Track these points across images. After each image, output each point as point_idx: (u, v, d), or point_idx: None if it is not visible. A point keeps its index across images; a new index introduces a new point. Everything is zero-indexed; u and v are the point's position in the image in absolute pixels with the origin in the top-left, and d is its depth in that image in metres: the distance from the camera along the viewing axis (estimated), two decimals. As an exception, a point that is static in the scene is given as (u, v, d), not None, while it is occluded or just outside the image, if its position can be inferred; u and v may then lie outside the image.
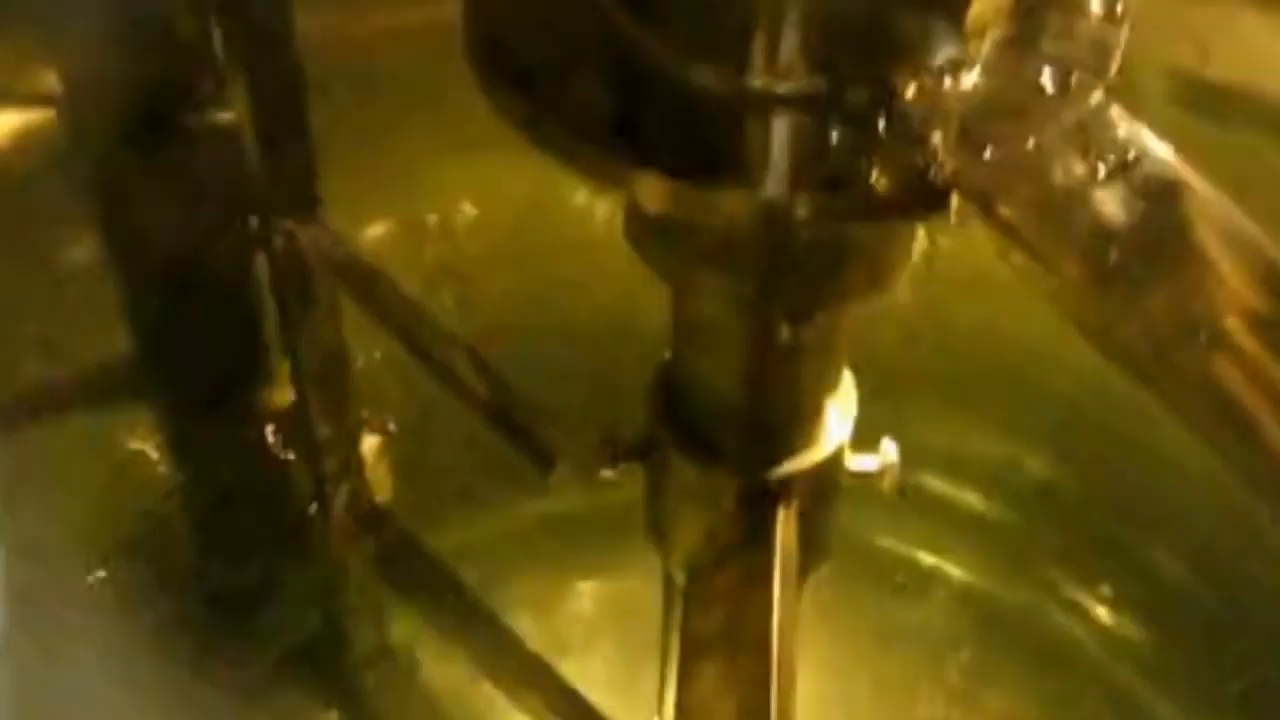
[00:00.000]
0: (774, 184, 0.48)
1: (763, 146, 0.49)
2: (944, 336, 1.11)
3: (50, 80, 0.94)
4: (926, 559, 1.20)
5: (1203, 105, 1.02)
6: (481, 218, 1.12)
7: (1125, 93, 0.52)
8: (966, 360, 1.12)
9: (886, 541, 1.18)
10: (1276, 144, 1.05)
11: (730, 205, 0.48)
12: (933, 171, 0.48)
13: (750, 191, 0.48)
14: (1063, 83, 0.50)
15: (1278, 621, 1.03)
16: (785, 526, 0.63)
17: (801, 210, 0.48)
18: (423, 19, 1.04)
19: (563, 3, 0.53)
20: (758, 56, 0.49)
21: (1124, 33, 0.52)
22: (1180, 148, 0.98)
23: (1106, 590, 1.15)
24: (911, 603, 1.18)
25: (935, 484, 1.17)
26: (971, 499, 1.18)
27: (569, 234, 1.08)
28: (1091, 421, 1.06)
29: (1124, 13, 0.53)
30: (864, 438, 0.67)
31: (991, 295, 0.97)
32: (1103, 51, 0.51)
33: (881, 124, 0.49)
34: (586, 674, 0.99)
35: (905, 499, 0.73)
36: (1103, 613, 1.16)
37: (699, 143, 0.49)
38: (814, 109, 0.49)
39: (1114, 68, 0.51)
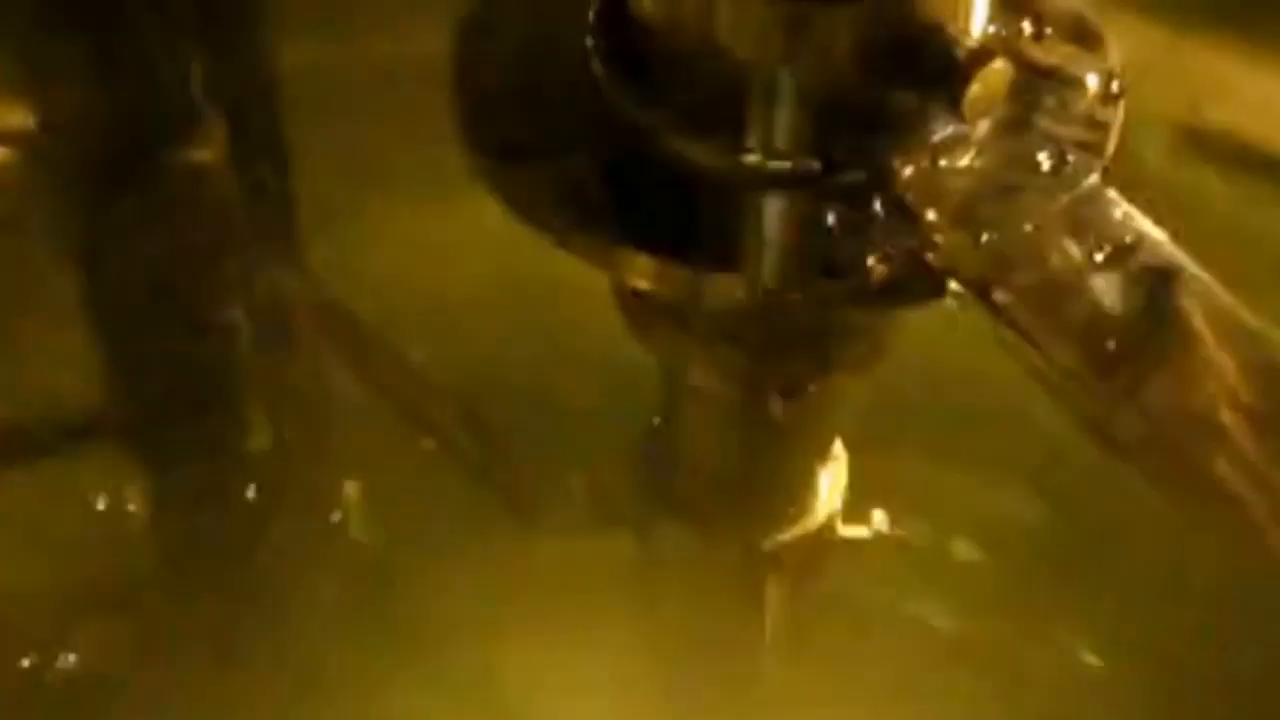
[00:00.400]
0: (767, 267, 0.47)
1: (756, 228, 0.49)
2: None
3: (24, 117, 0.94)
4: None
5: (1193, 153, 1.02)
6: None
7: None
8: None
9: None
10: (1266, 188, 1.05)
11: (722, 288, 0.48)
12: (929, 256, 0.47)
13: (743, 275, 0.47)
14: (1059, 163, 0.50)
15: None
16: (775, 599, 0.62)
17: (796, 295, 0.47)
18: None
19: (555, 75, 0.52)
20: (752, 134, 0.48)
21: (1121, 111, 0.52)
22: (1171, 194, 0.98)
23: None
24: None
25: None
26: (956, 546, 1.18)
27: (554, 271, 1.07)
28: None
29: (1121, 91, 0.52)
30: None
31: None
32: (1100, 131, 0.51)
33: (878, 206, 0.48)
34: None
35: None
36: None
37: (690, 224, 0.48)
38: (809, 189, 0.48)
39: (1111, 148, 0.51)
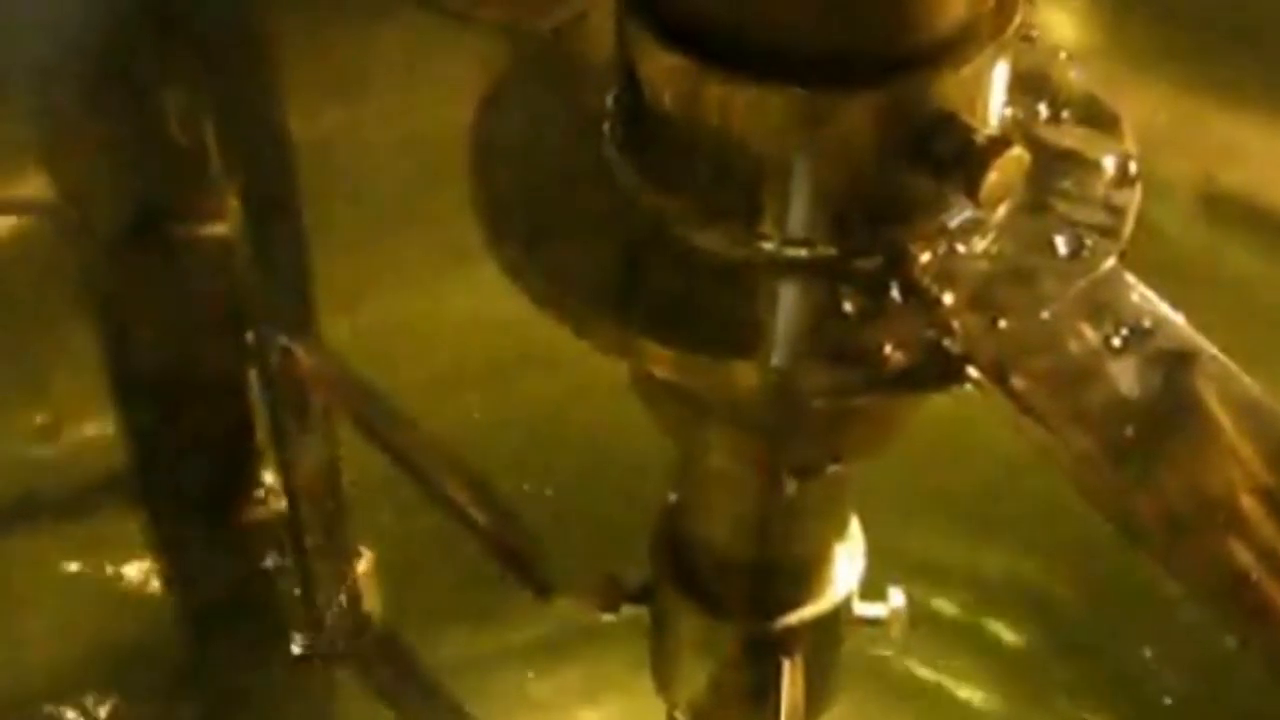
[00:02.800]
0: (784, 355, 0.47)
1: (772, 315, 0.48)
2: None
3: (46, 188, 0.94)
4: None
5: (1212, 218, 1.02)
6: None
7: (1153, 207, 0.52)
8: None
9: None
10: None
11: (738, 376, 0.47)
12: (946, 341, 0.47)
13: (759, 363, 0.47)
14: (1077, 247, 0.50)
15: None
16: (791, 677, 0.62)
17: (812, 383, 0.47)
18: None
19: (572, 163, 0.52)
20: (768, 221, 0.48)
21: (1137, 194, 0.52)
22: (1187, 258, 0.98)
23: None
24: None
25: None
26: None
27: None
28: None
29: (1137, 174, 0.52)
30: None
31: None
32: (1117, 215, 0.51)
33: (895, 291, 0.48)
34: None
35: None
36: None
37: (706, 311, 0.48)
38: (825, 276, 0.48)
39: (1128, 231, 0.51)
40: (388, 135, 1.02)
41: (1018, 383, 0.47)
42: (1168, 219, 0.98)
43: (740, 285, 0.48)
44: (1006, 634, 1.18)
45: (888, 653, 1.13)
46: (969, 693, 1.18)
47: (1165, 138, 0.95)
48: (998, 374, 0.47)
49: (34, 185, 0.93)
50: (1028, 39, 0.54)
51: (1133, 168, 0.52)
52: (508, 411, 1.14)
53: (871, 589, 0.67)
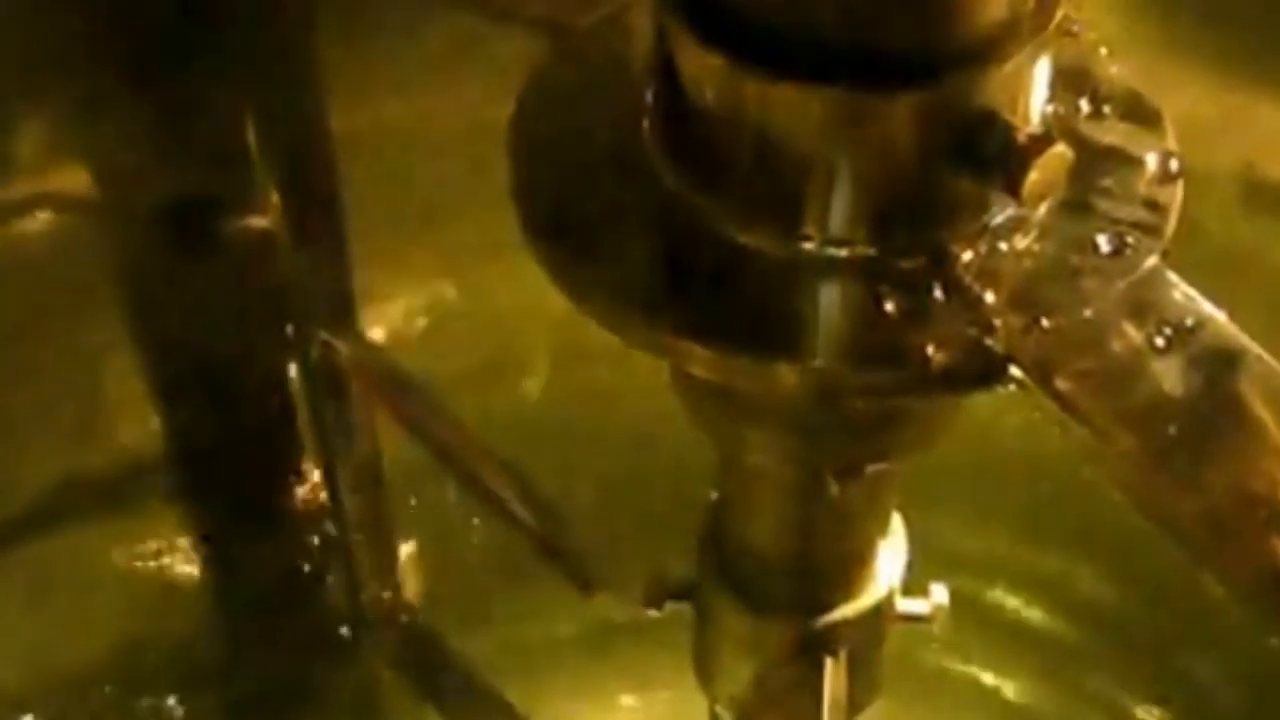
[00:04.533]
0: (825, 356, 0.47)
1: (814, 316, 0.48)
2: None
3: (87, 182, 0.95)
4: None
5: (1253, 210, 1.01)
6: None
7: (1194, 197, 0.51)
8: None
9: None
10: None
11: (779, 377, 0.47)
12: (989, 341, 0.47)
13: (800, 363, 0.47)
14: (1119, 246, 0.50)
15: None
16: (834, 675, 0.62)
17: (854, 384, 0.47)
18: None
19: (611, 160, 0.52)
20: (810, 221, 0.48)
21: (1180, 192, 0.52)
22: (1228, 250, 0.97)
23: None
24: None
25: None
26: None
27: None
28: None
29: (1180, 170, 0.52)
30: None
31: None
32: (1159, 213, 0.51)
33: (937, 291, 0.48)
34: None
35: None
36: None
37: (747, 312, 0.48)
38: (867, 275, 0.48)
39: (1170, 228, 0.51)
40: (428, 130, 1.02)
41: (1060, 383, 0.47)
42: (1209, 212, 0.97)
43: (781, 285, 0.48)
44: (1045, 625, 1.18)
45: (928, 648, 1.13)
46: (1002, 683, 1.18)
47: (1206, 129, 0.94)
48: (1040, 374, 0.47)
49: (74, 179, 0.94)
50: (1069, 34, 0.53)
51: (1175, 164, 0.52)
52: (549, 405, 1.14)
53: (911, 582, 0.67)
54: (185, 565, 1.08)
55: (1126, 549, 1.04)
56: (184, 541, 1.08)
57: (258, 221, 0.95)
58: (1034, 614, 1.18)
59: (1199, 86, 0.96)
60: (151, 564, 1.07)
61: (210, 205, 0.96)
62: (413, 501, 1.03)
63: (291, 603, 1.08)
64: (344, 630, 1.07)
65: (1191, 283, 0.49)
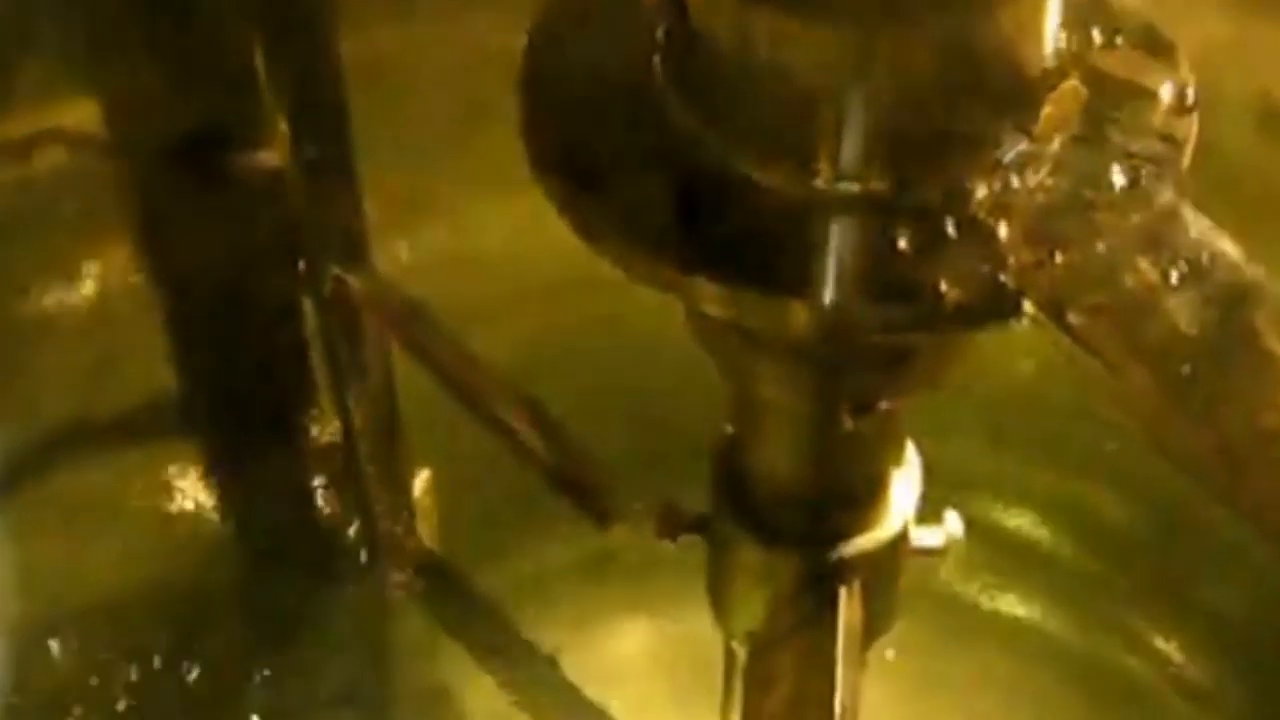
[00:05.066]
0: (838, 292, 0.47)
1: (827, 252, 0.48)
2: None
3: (95, 117, 0.94)
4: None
5: (1269, 135, 1.01)
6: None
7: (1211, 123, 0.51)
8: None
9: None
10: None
11: (792, 314, 0.47)
12: (1002, 276, 0.47)
13: (812, 300, 0.47)
14: (1134, 179, 0.49)
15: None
16: (848, 606, 0.62)
17: (867, 320, 0.47)
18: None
19: (623, 97, 0.52)
20: (821, 157, 0.48)
21: (1194, 124, 0.51)
22: (1244, 177, 0.97)
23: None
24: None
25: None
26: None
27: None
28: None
29: (1194, 104, 0.51)
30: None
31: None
32: (1173, 146, 0.50)
33: (950, 226, 0.48)
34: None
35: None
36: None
37: (758, 249, 0.48)
38: (880, 211, 0.48)
39: (1185, 161, 0.50)
40: (438, 60, 1.02)
41: (1074, 318, 0.46)
42: (1225, 136, 0.97)
43: (792, 221, 0.48)
44: (1065, 552, 1.18)
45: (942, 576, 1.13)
46: (1025, 611, 1.18)
47: (1222, 55, 0.93)
48: (1054, 309, 0.47)
49: (84, 115, 0.94)
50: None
51: (1190, 96, 0.51)
52: (556, 338, 1.14)
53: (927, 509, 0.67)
54: (201, 498, 1.09)
55: (1142, 475, 1.05)
56: (199, 475, 1.08)
57: (268, 157, 0.95)
58: (1049, 540, 1.18)
59: (1215, 14, 0.95)
60: (167, 497, 1.07)
61: (221, 141, 0.95)
62: (426, 434, 1.03)
63: (306, 534, 1.09)
64: (358, 561, 1.08)
65: (1207, 209, 0.49)
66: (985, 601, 1.17)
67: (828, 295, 0.47)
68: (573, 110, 0.52)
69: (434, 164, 1.06)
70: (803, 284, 0.47)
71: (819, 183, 0.48)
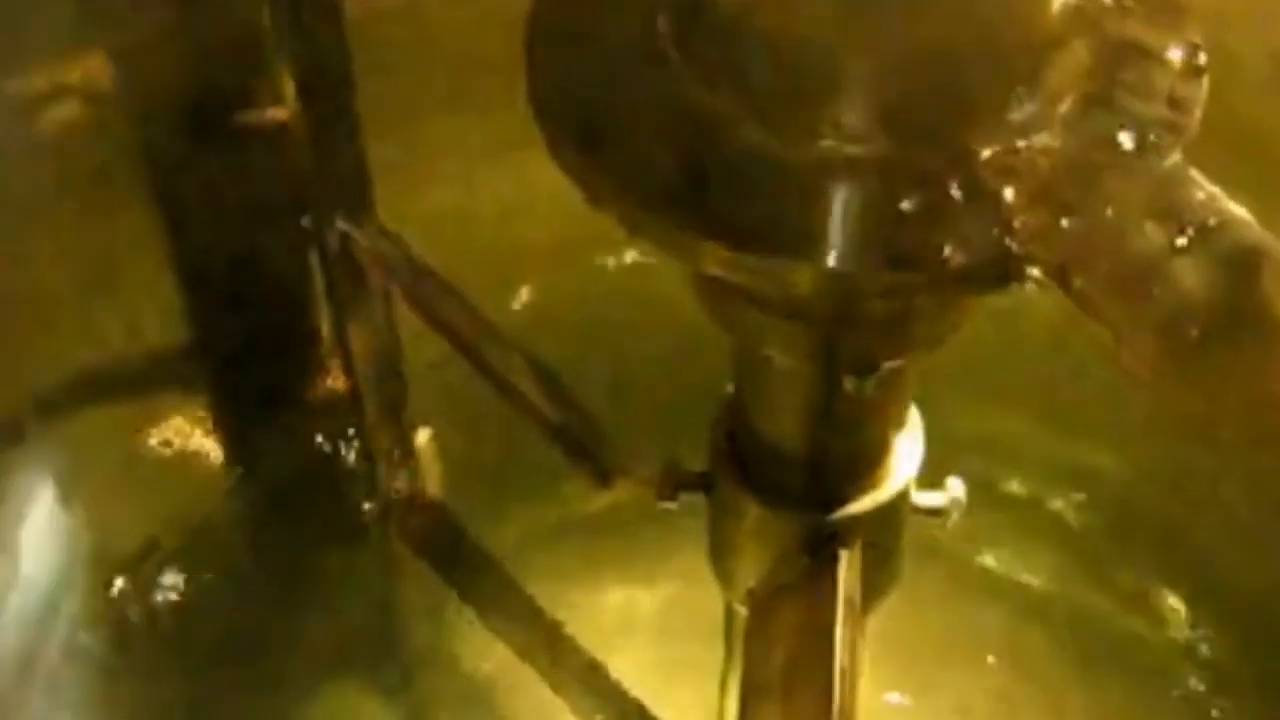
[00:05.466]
0: (843, 256, 0.47)
1: (831, 215, 0.48)
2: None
3: (105, 72, 0.94)
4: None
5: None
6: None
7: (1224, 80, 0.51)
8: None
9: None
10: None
11: (796, 276, 0.47)
12: (1008, 240, 0.47)
13: (817, 263, 0.47)
14: (1142, 143, 0.49)
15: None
16: (848, 568, 0.62)
17: (871, 285, 0.47)
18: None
19: (630, 62, 0.51)
20: (829, 119, 0.48)
21: (1204, 87, 0.51)
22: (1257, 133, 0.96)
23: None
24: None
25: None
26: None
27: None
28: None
29: (1204, 66, 0.51)
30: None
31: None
32: (1182, 109, 0.50)
33: (955, 189, 0.48)
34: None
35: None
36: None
37: (764, 211, 0.48)
38: (885, 174, 0.48)
39: (1194, 125, 0.50)
40: (444, 16, 1.01)
41: (1080, 282, 0.46)
42: (1237, 92, 0.96)
43: (798, 184, 0.48)
44: (1068, 515, 1.18)
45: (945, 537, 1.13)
46: (1028, 575, 1.18)
47: (1235, 10, 0.92)
48: (1060, 274, 0.46)
49: (94, 70, 0.93)
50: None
51: (1200, 59, 0.51)
52: (560, 295, 1.14)
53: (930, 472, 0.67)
54: (208, 452, 1.09)
55: (1146, 436, 1.05)
56: (206, 428, 1.08)
57: (275, 113, 0.94)
58: (1053, 500, 1.18)
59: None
60: (174, 450, 1.07)
61: (228, 97, 0.95)
62: (430, 389, 1.03)
63: (312, 488, 1.09)
64: (363, 515, 1.08)
65: (1219, 167, 0.48)
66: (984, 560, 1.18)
67: (832, 258, 0.47)
68: (579, 71, 0.52)
69: (437, 124, 1.06)
70: (807, 246, 0.47)
71: (825, 145, 0.48)
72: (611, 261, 1.11)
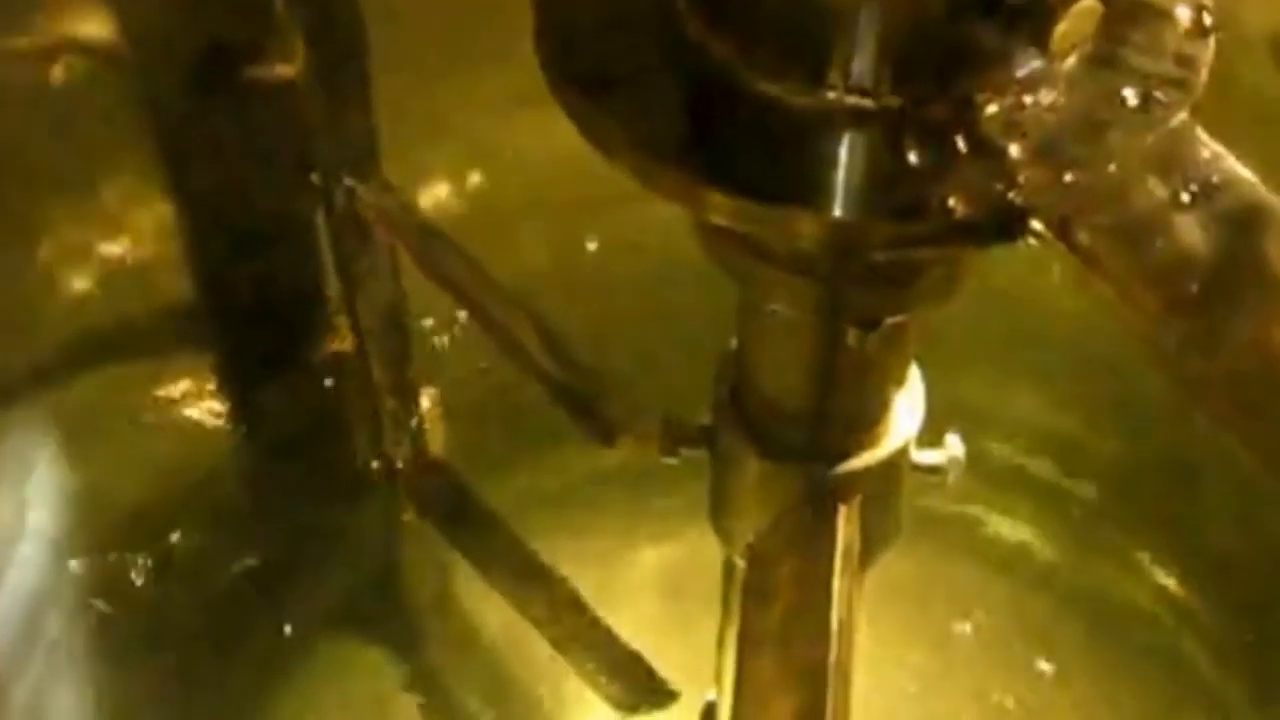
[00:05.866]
0: (847, 206, 0.47)
1: (836, 165, 0.48)
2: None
3: (110, 29, 0.94)
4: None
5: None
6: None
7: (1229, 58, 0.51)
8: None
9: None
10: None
11: (800, 226, 0.47)
12: (1011, 194, 0.47)
13: (821, 213, 0.47)
14: (1147, 100, 0.49)
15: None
16: (847, 523, 0.62)
17: (875, 234, 0.47)
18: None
19: (637, 10, 0.51)
20: (834, 69, 0.48)
21: (1211, 47, 0.51)
22: (1262, 107, 0.96)
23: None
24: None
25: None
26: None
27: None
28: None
29: (1212, 25, 0.51)
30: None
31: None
32: (1190, 67, 0.50)
33: (960, 142, 0.48)
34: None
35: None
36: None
37: (770, 161, 0.48)
38: (890, 126, 0.48)
39: (1201, 84, 0.50)
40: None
41: (1082, 236, 0.46)
42: (1242, 66, 0.96)
43: (804, 134, 0.48)
44: (1062, 483, 1.18)
45: (942, 499, 1.14)
46: (1023, 536, 1.19)
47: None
48: (1062, 227, 0.47)
49: (100, 24, 0.93)
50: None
51: (1207, 19, 0.51)
52: (574, 251, 1.14)
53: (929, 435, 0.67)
54: (214, 410, 1.09)
55: (1143, 407, 1.05)
56: (212, 387, 1.09)
57: (283, 69, 0.95)
58: (1051, 472, 1.19)
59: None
60: (180, 409, 1.08)
61: (236, 53, 0.95)
62: (436, 348, 1.04)
63: (317, 448, 1.10)
64: (368, 475, 1.08)
65: (1222, 137, 0.49)
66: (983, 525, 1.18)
67: (837, 208, 0.47)
68: (586, 19, 0.52)
69: (447, 77, 1.06)
70: (812, 196, 0.47)
71: (831, 96, 0.48)
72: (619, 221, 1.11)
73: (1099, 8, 0.46)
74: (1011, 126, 0.48)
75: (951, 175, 0.47)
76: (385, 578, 1.13)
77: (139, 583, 1.05)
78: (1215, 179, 0.47)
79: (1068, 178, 0.47)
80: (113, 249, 0.99)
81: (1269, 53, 0.99)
